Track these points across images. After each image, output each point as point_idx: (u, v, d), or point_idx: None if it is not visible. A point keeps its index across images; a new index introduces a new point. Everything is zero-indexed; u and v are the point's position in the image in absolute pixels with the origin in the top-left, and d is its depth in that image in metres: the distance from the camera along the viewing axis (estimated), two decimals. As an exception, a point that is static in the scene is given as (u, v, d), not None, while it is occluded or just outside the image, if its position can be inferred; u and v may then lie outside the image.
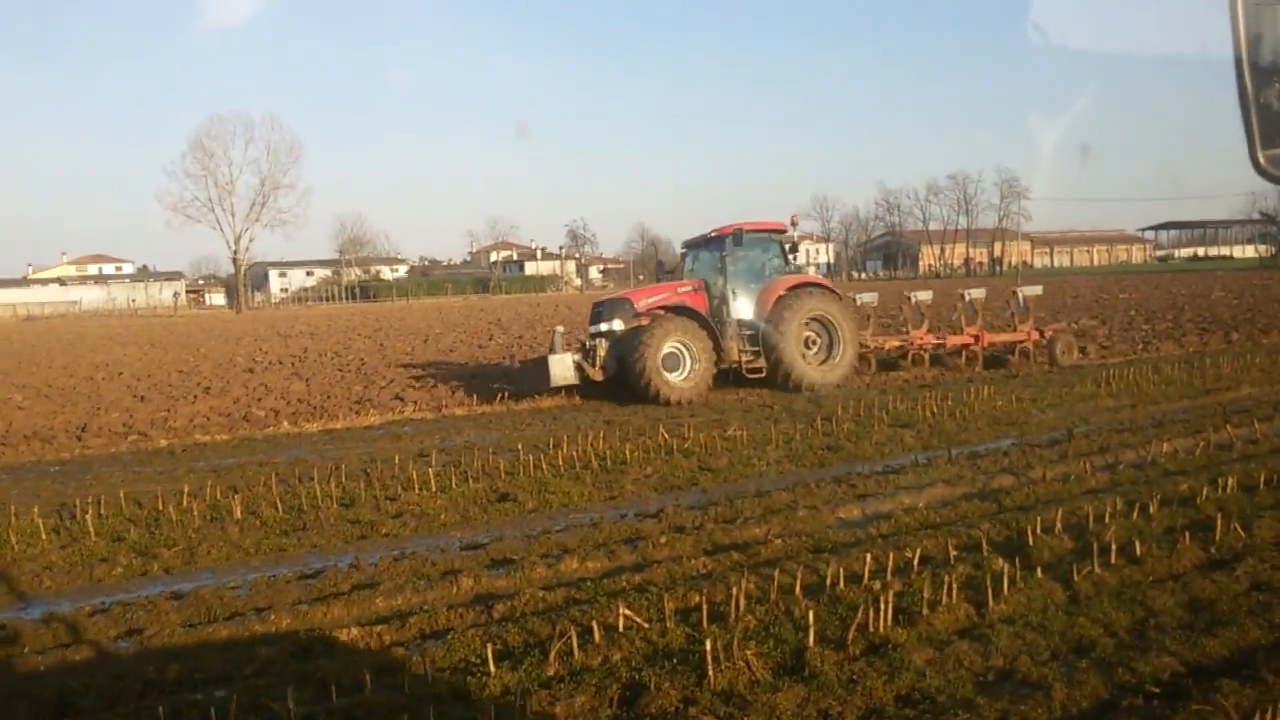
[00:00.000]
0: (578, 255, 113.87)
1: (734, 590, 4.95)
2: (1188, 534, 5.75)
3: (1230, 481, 7.00)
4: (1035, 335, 17.16)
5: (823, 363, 14.86)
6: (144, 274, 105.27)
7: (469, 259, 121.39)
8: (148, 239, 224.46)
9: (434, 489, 8.13)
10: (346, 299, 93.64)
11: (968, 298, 17.66)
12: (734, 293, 15.00)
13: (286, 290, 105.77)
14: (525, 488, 8.07)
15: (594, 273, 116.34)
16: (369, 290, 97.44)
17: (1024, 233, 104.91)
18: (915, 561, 5.58)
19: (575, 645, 4.41)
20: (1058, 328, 18.59)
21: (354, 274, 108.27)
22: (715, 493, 7.89)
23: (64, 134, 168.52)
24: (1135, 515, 6.31)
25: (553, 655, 4.39)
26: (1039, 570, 5.24)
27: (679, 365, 14.01)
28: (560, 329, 15.05)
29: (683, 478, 8.46)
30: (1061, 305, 30.48)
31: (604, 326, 14.66)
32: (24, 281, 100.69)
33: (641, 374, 13.71)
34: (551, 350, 14.65)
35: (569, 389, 14.53)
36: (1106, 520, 6.18)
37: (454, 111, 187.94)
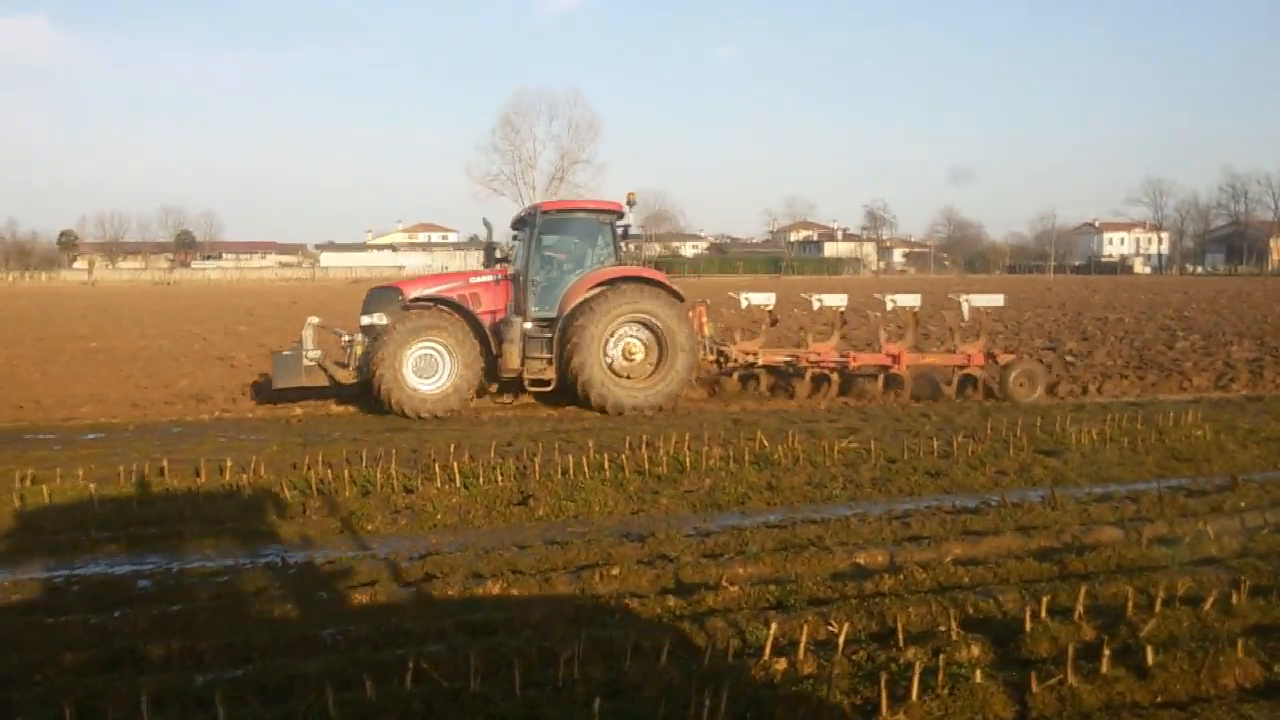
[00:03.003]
0: (876, 237, 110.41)
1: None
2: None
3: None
4: (980, 360, 13.31)
5: (647, 377, 12.22)
6: (470, 243, 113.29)
7: (769, 238, 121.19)
8: (464, 210, 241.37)
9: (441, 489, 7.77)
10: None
11: (891, 305, 14.27)
12: (534, 286, 12.47)
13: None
14: (551, 492, 7.51)
15: (897, 256, 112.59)
16: (666, 265, 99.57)
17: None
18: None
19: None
20: (1018, 353, 14.63)
21: (654, 249, 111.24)
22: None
23: (407, 109, 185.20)
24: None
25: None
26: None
27: (436, 371, 11.84)
28: (314, 320, 12.71)
29: (731, 495, 7.59)
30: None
31: (367, 320, 12.26)
32: (363, 246, 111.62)
33: (374, 379, 11.65)
34: (300, 345, 12.33)
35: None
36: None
37: (758, 87, 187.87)
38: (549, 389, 12.24)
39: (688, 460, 8.42)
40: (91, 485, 7.53)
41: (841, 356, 13.35)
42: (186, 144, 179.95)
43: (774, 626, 4.33)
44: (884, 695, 3.75)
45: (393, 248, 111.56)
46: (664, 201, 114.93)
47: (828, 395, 13.13)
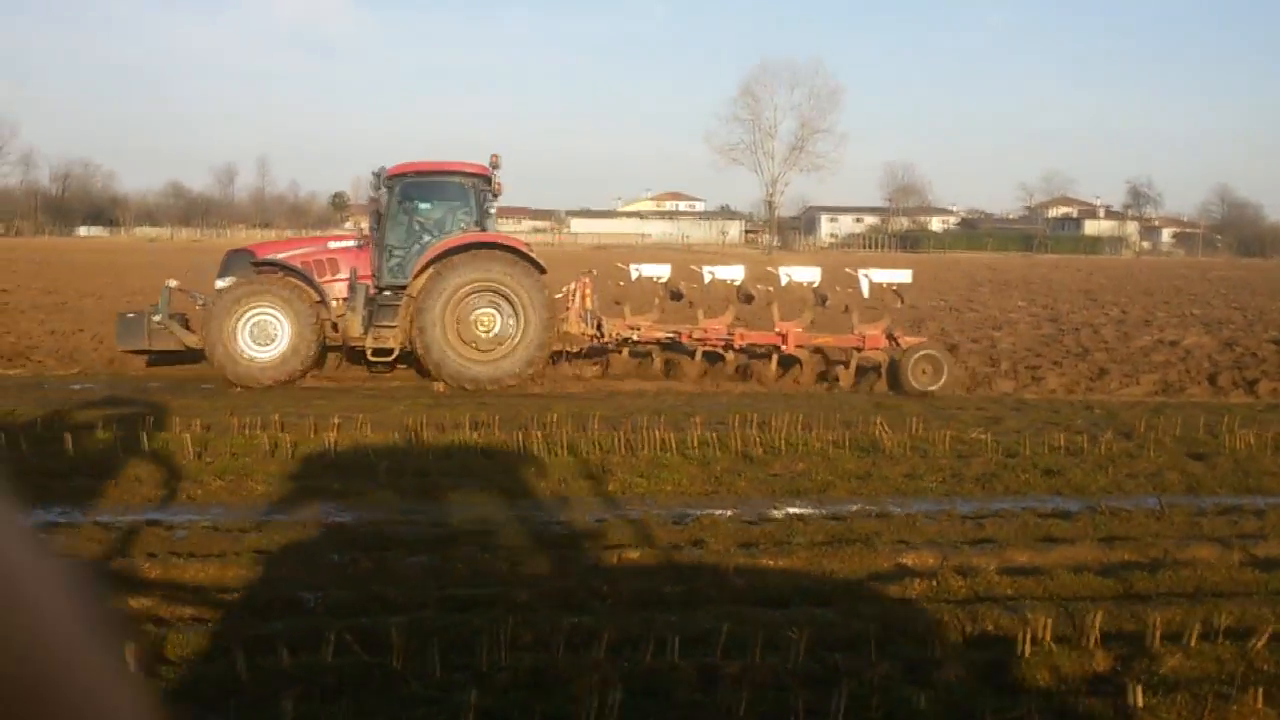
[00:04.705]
0: (1139, 215, 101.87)
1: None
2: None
3: None
4: (881, 343, 12.04)
5: (499, 348, 11.44)
6: (719, 213, 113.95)
7: (1026, 213, 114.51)
8: (713, 180, 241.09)
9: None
10: (891, 248, 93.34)
11: (786, 280, 12.80)
12: (389, 252, 11.98)
13: (835, 236, 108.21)
14: (631, 469, 7.51)
15: (1165, 236, 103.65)
16: (913, 240, 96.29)
17: None
18: None
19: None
20: (924, 337, 12.85)
21: (901, 223, 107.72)
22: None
23: (660, 78, 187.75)
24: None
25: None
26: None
27: (274, 338, 11.27)
28: (172, 283, 12.13)
29: (815, 482, 7.32)
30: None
31: (221, 284, 11.84)
32: (612, 214, 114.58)
33: (206, 348, 11.24)
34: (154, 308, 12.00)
35: None
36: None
37: (1025, 54, 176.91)
38: (390, 359, 11.87)
39: (781, 443, 8.18)
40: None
41: (728, 334, 12.40)
42: (450, 110, 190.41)
43: (726, 627, 4.20)
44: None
45: (640, 215, 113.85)
46: (911, 174, 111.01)
47: (712, 374, 12.44)
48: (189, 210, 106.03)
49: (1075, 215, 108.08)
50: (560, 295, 12.50)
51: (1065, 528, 6.20)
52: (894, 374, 11.81)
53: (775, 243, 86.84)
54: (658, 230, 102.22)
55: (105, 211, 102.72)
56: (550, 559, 5.50)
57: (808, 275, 12.82)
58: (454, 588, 5.02)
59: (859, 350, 12.06)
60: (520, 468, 7.37)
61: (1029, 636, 4.25)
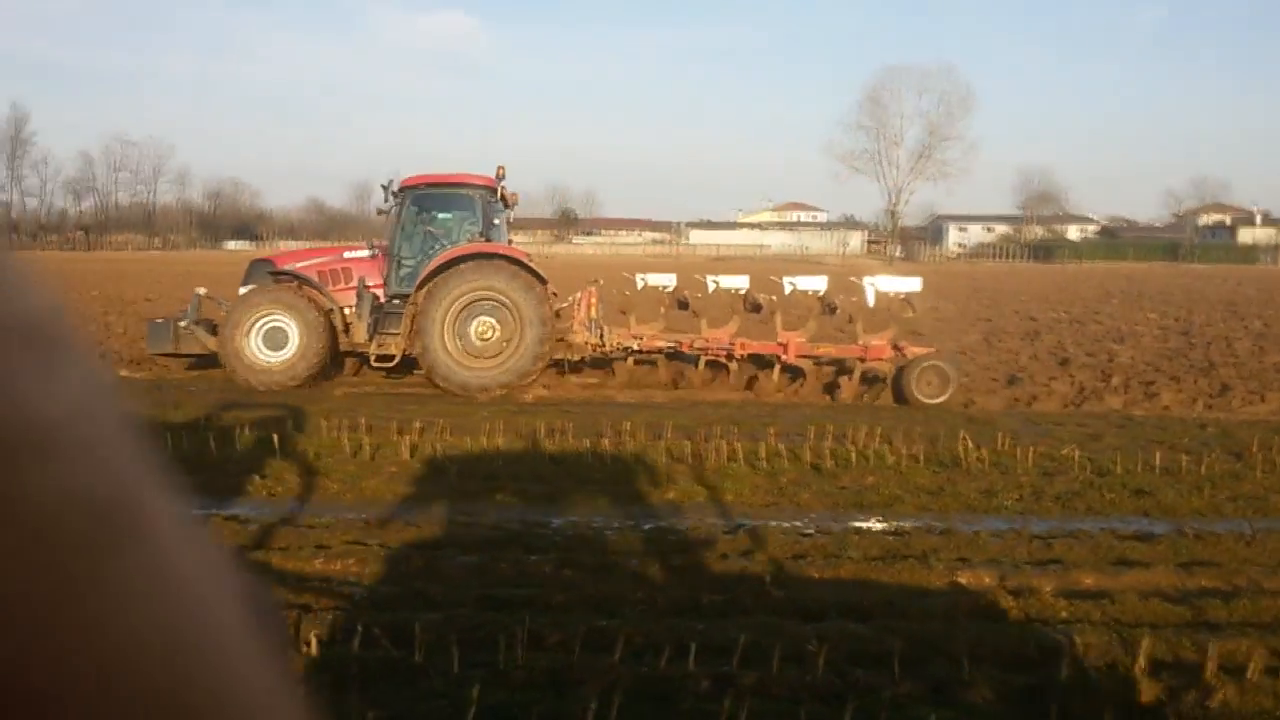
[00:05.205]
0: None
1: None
2: None
3: None
4: (886, 353, 11.64)
5: (497, 356, 11.64)
6: (842, 223, 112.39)
7: (1173, 221, 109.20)
8: (832, 189, 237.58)
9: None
10: (1023, 258, 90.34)
11: (790, 289, 12.56)
12: (400, 261, 12.46)
13: (963, 246, 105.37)
14: (695, 477, 7.45)
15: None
16: (1046, 250, 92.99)
17: None
18: None
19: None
20: (930, 349, 11.99)
21: (1036, 232, 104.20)
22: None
23: (778, 87, 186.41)
24: None
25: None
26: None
27: (286, 344, 11.73)
28: (201, 290, 12.70)
29: (882, 496, 7.13)
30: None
31: (243, 290, 12.38)
32: (732, 225, 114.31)
33: (220, 349, 11.79)
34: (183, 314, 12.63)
35: None
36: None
37: (1178, 52, 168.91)
38: (392, 364, 12.15)
39: (856, 456, 8.00)
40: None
41: (730, 343, 12.11)
42: (571, 125, 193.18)
43: (743, 638, 4.13)
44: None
45: (760, 226, 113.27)
46: (1047, 180, 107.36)
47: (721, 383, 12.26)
48: (328, 225, 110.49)
49: (1228, 223, 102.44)
50: (566, 305, 12.72)
51: (1142, 550, 5.88)
52: (898, 385, 11.58)
53: (899, 253, 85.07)
54: (777, 241, 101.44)
55: (251, 226, 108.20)
56: (594, 564, 5.50)
57: (813, 284, 12.63)
58: (495, 588, 5.08)
59: (862, 360, 11.87)
60: (584, 474, 7.41)
61: (1071, 661, 4.05)
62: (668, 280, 13.48)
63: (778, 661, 4.01)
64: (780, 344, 12.00)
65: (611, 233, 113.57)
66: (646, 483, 7.22)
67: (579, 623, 4.45)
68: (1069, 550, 5.89)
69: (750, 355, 12.20)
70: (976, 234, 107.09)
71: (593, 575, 5.34)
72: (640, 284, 13.66)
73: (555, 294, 12.49)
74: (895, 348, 11.78)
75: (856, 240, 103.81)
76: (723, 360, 12.31)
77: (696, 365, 12.37)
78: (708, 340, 12.23)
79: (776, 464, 7.79)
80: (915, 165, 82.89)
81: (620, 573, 5.40)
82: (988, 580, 5.39)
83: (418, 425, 8.71)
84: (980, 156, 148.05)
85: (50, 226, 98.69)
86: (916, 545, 5.92)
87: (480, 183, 12.66)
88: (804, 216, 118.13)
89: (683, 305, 13.29)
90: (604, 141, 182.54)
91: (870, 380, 12.01)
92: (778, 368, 11.99)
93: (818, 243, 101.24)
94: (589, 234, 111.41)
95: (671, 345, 12.40)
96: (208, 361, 12.77)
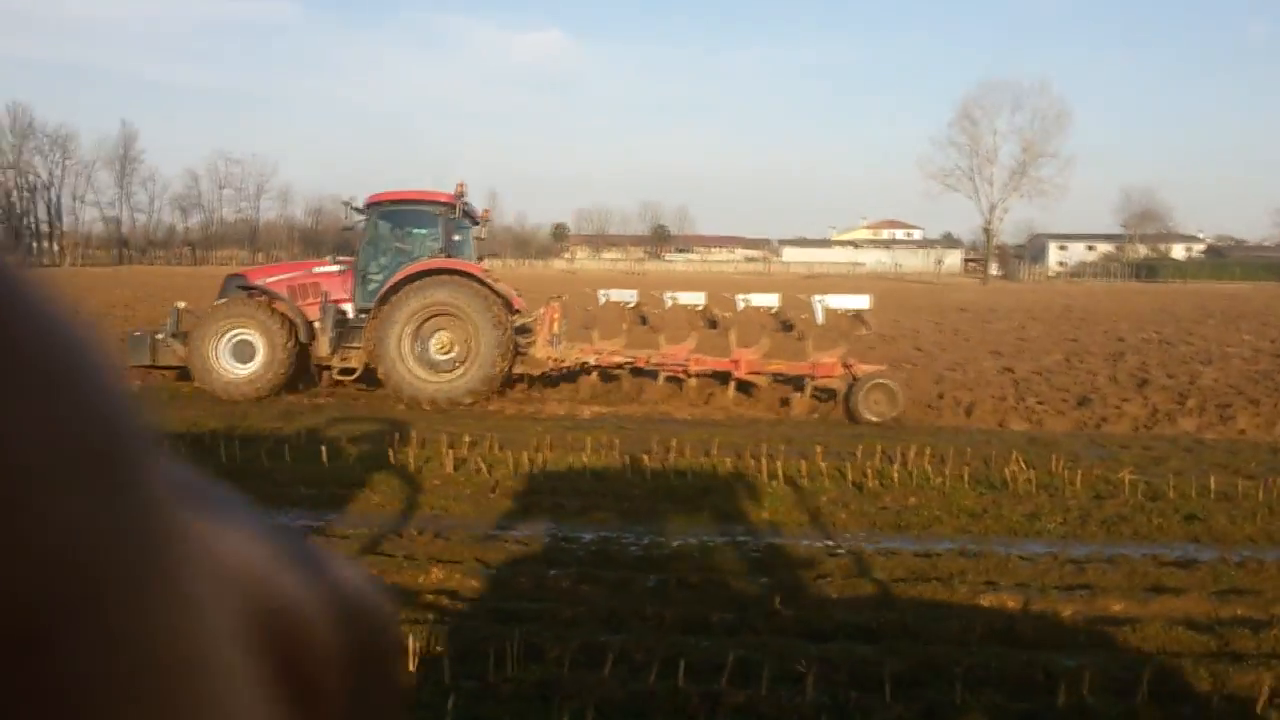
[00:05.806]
0: None
1: None
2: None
3: None
4: (836, 370, 11.69)
5: (455, 369, 11.89)
6: (943, 241, 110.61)
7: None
8: (929, 207, 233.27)
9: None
10: (1127, 277, 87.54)
11: (742, 305, 12.51)
12: (365, 276, 12.76)
13: (1065, 265, 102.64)
14: (730, 495, 7.44)
15: None
16: (1150, 269, 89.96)
17: None
18: None
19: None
20: (879, 367, 11.92)
21: (1139, 250, 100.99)
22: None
23: (873, 105, 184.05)
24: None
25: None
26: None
27: (253, 357, 12.05)
28: (181, 304, 12.90)
29: (921, 517, 7.01)
30: None
31: (216, 303, 12.59)
32: (826, 243, 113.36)
33: (190, 361, 12.03)
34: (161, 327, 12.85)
35: None
36: None
37: (1275, 68, 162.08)
38: (353, 377, 12.36)
39: (900, 476, 7.88)
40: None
41: (685, 359, 12.15)
42: (665, 143, 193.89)
43: (732, 655, 4.12)
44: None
45: (854, 244, 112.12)
46: (1151, 198, 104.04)
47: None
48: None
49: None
50: (531, 320, 12.93)
51: (1179, 577, 5.67)
52: (848, 402, 11.51)
53: (996, 272, 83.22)
54: (871, 259, 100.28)
55: (350, 243, 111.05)
56: (613, 580, 5.53)
57: (766, 301, 12.67)
58: (509, 601, 5.17)
59: (811, 377, 11.88)
60: (621, 490, 7.46)
61: (1072, 688, 3.95)
62: (628, 296, 13.38)
63: (768, 681, 3.99)
64: (733, 360, 12.14)
65: (705, 250, 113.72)
66: (679, 501, 7.24)
67: (579, 637, 4.50)
68: (1101, 575, 5.72)
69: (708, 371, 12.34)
70: (1078, 252, 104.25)
71: (610, 590, 5.38)
72: (603, 299, 13.48)
73: (520, 310, 12.84)
74: (844, 365, 11.85)
75: (954, 258, 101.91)
76: (680, 375, 12.43)
77: (656, 379, 12.51)
78: (664, 356, 12.43)
79: (818, 483, 7.71)
80: (1010, 182, 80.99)
81: (636, 588, 5.43)
82: (1010, 604, 5.27)
83: (467, 439, 8.86)
84: (1079, 174, 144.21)
85: (158, 242, 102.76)
86: (945, 567, 5.81)
87: (442, 199, 13.03)
88: (900, 234, 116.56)
89: (643, 320, 13.46)
90: (698, 159, 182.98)
91: (824, 398, 12.11)
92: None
93: (912, 261, 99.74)
94: (682, 250, 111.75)
95: (629, 360, 12.59)
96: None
